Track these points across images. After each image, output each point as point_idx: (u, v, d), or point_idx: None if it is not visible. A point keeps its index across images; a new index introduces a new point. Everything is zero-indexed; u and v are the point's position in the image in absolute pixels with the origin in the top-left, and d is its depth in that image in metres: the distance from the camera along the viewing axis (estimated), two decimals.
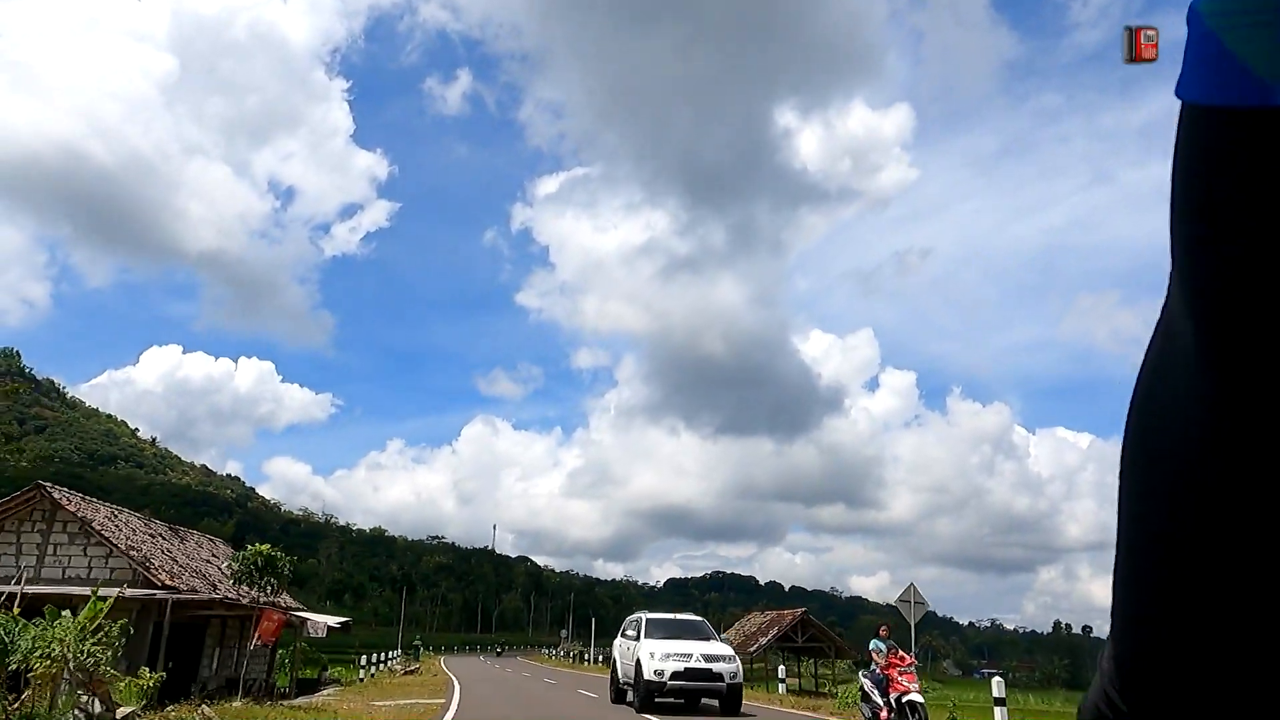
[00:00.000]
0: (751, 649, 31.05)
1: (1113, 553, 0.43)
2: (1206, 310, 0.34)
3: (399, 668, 34.25)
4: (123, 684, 12.47)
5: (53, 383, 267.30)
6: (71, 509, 16.59)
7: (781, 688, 22.21)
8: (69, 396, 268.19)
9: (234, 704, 13.24)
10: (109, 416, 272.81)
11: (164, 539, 20.34)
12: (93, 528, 16.35)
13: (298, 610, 21.34)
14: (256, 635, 16.92)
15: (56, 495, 17.00)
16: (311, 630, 18.86)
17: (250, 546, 16.94)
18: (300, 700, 16.88)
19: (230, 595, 17.36)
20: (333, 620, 22.51)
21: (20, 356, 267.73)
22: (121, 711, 10.86)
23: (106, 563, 16.70)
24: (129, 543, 17.04)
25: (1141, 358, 0.40)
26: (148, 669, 13.33)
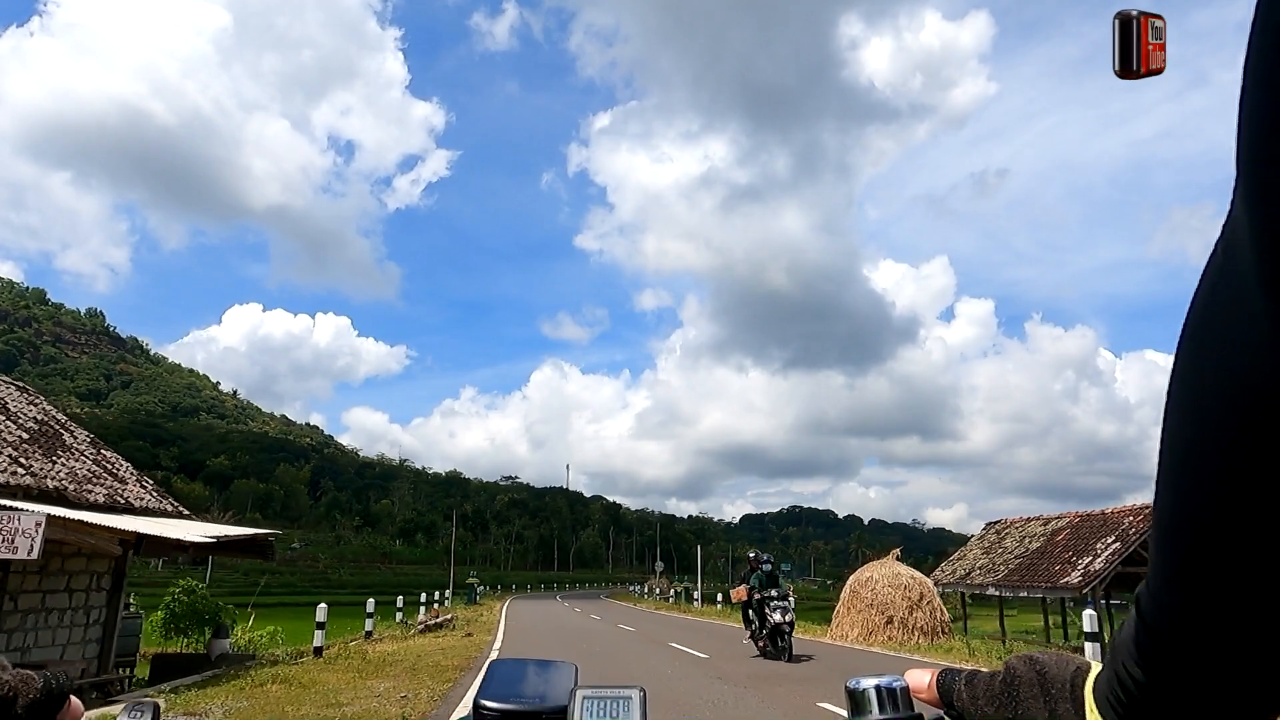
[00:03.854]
0: (1064, 579, 16.99)
1: None
2: (1269, 226, 0.31)
3: (423, 619, 21.93)
4: None
5: (137, 341, 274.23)
6: None
7: None
8: (153, 354, 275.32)
9: None
10: (191, 371, 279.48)
11: None
12: None
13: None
14: None
15: None
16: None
17: None
18: None
19: None
20: (175, 530, 9.71)
21: (105, 317, 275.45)
22: None
23: None
24: None
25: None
26: None
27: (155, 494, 12.19)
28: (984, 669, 0.71)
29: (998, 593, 18.99)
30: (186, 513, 12.60)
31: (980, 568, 20.47)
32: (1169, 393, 0.39)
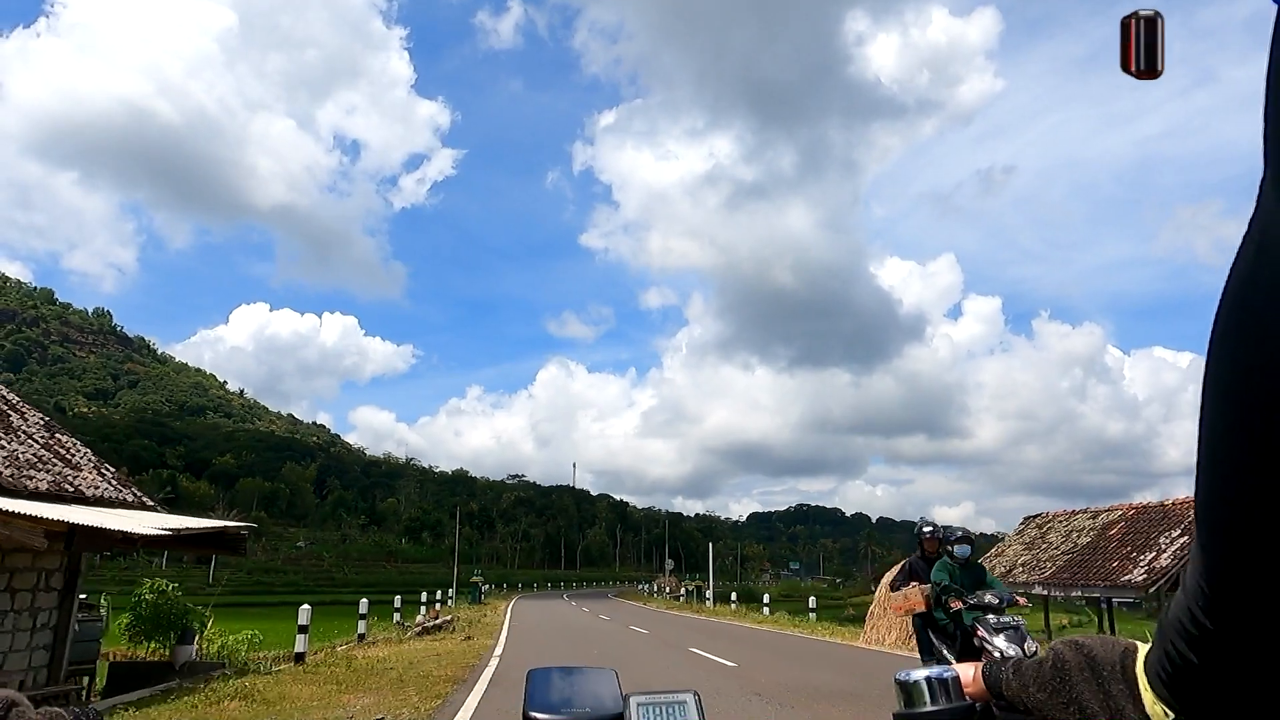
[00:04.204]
0: (1125, 576, 15.35)
1: None
2: None
3: (421, 621, 20.69)
4: None
5: (144, 340, 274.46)
6: None
7: None
8: (160, 353, 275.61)
9: None
10: (198, 370, 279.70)
11: None
12: None
13: None
14: None
15: None
16: None
17: None
18: None
19: None
20: (120, 522, 8.48)
21: (111, 316, 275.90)
22: None
23: None
24: None
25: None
26: None
27: (115, 482, 10.96)
28: (1026, 658, 0.72)
29: (1045, 591, 17.52)
30: (151, 503, 11.36)
31: (1023, 564, 18.88)
32: (1205, 381, 0.39)
